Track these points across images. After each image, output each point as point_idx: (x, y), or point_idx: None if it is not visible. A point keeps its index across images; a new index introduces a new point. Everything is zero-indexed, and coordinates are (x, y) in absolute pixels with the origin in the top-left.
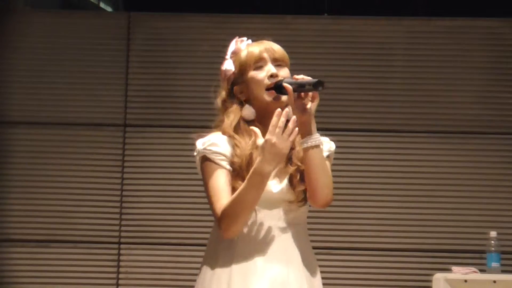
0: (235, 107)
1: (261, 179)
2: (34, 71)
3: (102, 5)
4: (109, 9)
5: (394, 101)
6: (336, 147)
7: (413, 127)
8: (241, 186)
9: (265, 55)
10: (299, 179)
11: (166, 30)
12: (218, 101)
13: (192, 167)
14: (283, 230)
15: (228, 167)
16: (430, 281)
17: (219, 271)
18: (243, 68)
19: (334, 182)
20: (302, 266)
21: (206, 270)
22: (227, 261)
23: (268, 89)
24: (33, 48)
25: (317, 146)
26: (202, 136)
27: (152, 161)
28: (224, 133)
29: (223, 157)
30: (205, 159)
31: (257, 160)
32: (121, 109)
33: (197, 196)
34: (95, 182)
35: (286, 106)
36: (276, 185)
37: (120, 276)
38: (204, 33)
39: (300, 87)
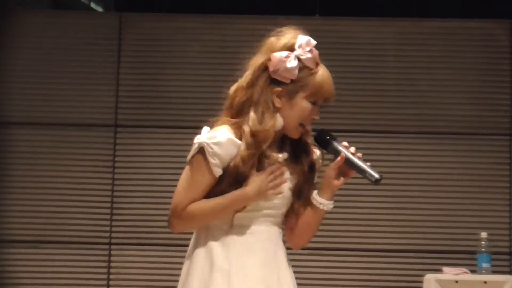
0: (272, 113)
1: (243, 201)
2: (24, 71)
3: (93, 5)
4: (100, 9)
5: (386, 102)
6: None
7: (404, 127)
8: (218, 200)
9: (329, 102)
10: (300, 194)
11: (157, 31)
12: (253, 68)
13: (182, 167)
14: (271, 231)
15: (219, 173)
16: (421, 281)
17: (212, 272)
18: (306, 90)
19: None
20: (288, 267)
21: (193, 272)
22: (220, 263)
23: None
24: (24, 48)
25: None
26: (213, 125)
27: (143, 161)
28: (241, 131)
29: (219, 162)
30: (201, 151)
31: (252, 185)
32: (112, 110)
33: None
34: (85, 182)
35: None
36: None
37: (111, 276)
38: (195, 33)
39: (357, 168)
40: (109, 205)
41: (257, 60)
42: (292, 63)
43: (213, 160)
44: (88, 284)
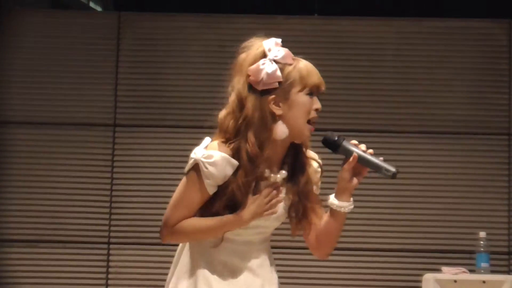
0: (270, 126)
1: (237, 226)
2: (23, 71)
3: (92, 4)
4: (99, 8)
5: (385, 101)
6: (320, 148)
7: (403, 127)
8: (212, 221)
9: (322, 87)
10: (297, 213)
11: (156, 30)
12: (237, 94)
13: (181, 167)
14: (261, 242)
15: (212, 191)
16: (420, 281)
17: (197, 278)
18: (296, 84)
19: (327, 183)
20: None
21: (180, 276)
22: (207, 271)
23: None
24: (23, 47)
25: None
26: (212, 138)
27: (141, 161)
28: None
29: (213, 182)
30: (196, 168)
31: (248, 210)
32: (111, 109)
33: None
34: (85, 182)
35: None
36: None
37: (110, 276)
38: (194, 33)
39: (372, 165)
40: (107, 204)
41: (237, 83)
42: (270, 67)
43: (207, 180)
44: (87, 283)
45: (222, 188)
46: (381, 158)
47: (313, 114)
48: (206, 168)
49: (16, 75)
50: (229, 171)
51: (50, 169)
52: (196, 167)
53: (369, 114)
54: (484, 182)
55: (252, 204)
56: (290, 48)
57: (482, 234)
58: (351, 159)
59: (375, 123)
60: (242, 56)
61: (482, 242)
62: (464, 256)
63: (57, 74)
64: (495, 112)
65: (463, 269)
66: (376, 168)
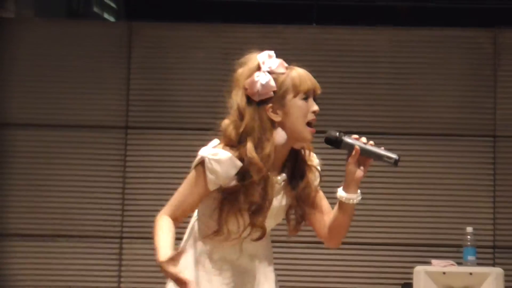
0: (269, 135)
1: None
2: (42, 77)
3: (105, 15)
4: (111, 18)
5: (379, 105)
6: (324, 148)
7: (395, 129)
8: (160, 241)
9: (317, 91)
10: (295, 216)
11: (165, 38)
12: (236, 105)
13: (188, 166)
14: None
15: (213, 188)
16: (411, 273)
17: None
18: (290, 91)
19: (323, 181)
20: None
21: (185, 265)
22: (207, 271)
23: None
24: (41, 55)
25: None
26: (219, 139)
27: (152, 161)
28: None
29: (215, 179)
30: (201, 165)
31: (168, 266)
32: (123, 112)
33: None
34: (98, 181)
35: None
36: (274, 211)
37: (122, 269)
38: (200, 41)
39: (374, 155)
40: (120, 201)
41: (235, 95)
42: (265, 78)
43: (210, 175)
44: (100, 275)
45: (231, 192)
46: (382, 148)
47: (310, 116)
48: (211, 164)
49: (34, 80)
50: (233, 171)
51: (66, 169)
52: (202, 163)
53: (365, 117)
54: (471, 180)
55: (173, 268)
56: (289, 56)
57: (469, 229)
58: (353, 152)
59: (370, 125)
60: (239, 71)
61: (469, 237)
62: (452, 250)
63: (73, 80)
64: (481, 115)
65: (451, 262)
66: (379, 157)
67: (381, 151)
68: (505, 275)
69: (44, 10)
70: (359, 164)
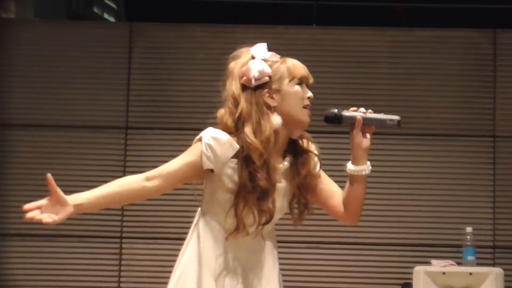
0: (267, 117)
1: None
2: (42, 77)
3: (106, 15)
4: (112, 19)
5: (378, 106)
6: (324, 148)
7: (396, 129)
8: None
9: (310, 79)
10: (298, 205)
11: (165, 39)
12: (231, 94)
13: None
14: (265, 234)
15: (206, 165)
16: (411, 273)
17: (206, 275)
18: (285, 77)
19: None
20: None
21: (188, 264)
22: (216, 268)
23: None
24: (41, 55)
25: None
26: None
27: (152, 161)
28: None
29: (211, 155)
30: (199, 141)
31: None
32: (123, 113)
33: (195, 194)
34: (98, 180)
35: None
36: (278, 202)
37: (122, 268)
38: (201, 42)
39: (376, 122)
40: None
41: (230, 85)
42: (260, 64)
43: (206, 151)
44: (100, 275)
45: (241, 186)
46: (382, 113)
47: (306, 101)
48: (209, 140)
49: (35, 81)
50: (230, 153)
51: (67, 169)
52: (199, 139)
53: None
54: (471, 181)
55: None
56: (289, 56)
57: (469, 229)
58: (356, 123)
59: None
60: (232, 64)
61: (468, 237)
62: (452, 250)
63: (73, 80)
64: (481, 116)
65: (451, 262)
66: (381, 122)
67: (382, 116)
68: (505, 275)
69: (44, 10)
70: (363, 134)
